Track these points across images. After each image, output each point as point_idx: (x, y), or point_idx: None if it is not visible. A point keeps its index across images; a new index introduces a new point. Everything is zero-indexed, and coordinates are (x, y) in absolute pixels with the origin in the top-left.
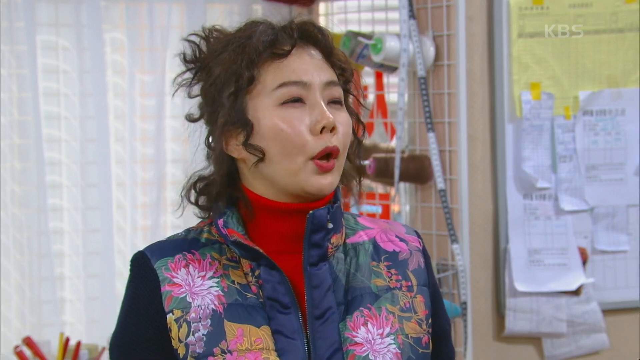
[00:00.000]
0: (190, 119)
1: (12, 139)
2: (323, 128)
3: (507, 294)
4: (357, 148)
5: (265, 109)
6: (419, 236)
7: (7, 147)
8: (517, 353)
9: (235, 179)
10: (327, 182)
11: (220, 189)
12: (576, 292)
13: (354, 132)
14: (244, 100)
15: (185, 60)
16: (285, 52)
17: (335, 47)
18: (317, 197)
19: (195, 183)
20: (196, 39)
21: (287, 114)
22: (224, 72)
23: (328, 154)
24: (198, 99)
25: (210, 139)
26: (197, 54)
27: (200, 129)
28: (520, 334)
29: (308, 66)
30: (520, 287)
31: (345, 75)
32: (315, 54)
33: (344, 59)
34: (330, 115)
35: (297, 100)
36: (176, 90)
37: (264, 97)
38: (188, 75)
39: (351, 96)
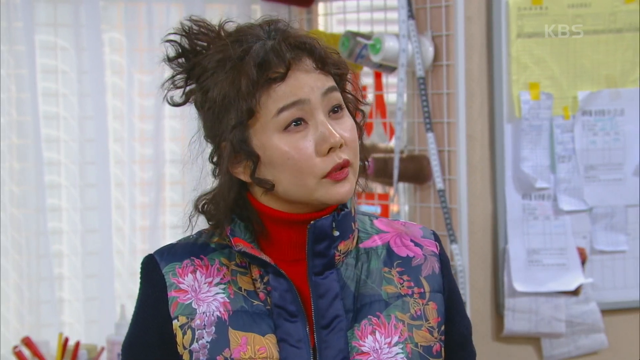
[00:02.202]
0: (173, 102)
1: (11, 139)
2: (330, 148)
3: (506, 294)
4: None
5: (269, 138)
6: (437, 239)
7: (5, 147)
8: (516, 353)
9: (241, 190)
10: (345, 190)
11: (227, 207)
12: (575, 292)
13: (357, 125)
14: (246, 132)
15: (169, 60)
16: (280, 75)
17: (329, 49)
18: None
19: (203, 204)
20: (177, 38)
21: (292, 139)
22: (220, 99)
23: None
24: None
25: (215, 158)
26: (181, 52)
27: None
28: (519, 334)
29: (303, 82)
30: (519, 287)
31: (341, 77)
32: (309, 64)
33: (339, 60)
34: (336, 134)
35: (299, 122)
36: (165, 95)
37: (266, 126)
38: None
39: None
